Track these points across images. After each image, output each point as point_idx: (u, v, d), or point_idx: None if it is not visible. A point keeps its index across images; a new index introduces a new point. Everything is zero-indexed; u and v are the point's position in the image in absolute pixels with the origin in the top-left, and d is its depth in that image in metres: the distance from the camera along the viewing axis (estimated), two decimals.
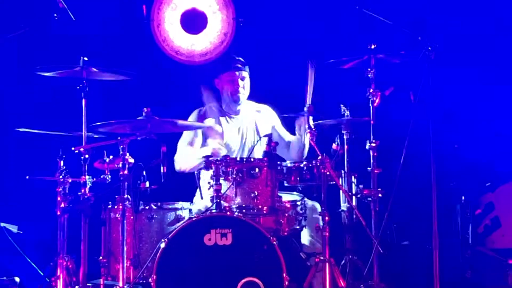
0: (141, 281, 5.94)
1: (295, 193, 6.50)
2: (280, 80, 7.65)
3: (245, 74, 6.81)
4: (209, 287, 5.77)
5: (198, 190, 6.46)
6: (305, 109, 6.38)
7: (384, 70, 6.24)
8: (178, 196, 6.41)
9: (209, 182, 6.09)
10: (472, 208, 6.48)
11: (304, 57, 6.78)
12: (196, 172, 6.52)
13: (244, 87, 6.80)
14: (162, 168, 5.92)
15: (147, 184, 5.98)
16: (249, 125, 6.89)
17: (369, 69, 6.20)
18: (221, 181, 5.99)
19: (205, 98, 6.83)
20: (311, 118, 6.42)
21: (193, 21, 7.94)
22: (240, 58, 6.83)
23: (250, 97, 6.97)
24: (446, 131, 7.11)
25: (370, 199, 6.09)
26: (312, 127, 6.34)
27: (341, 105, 6.38)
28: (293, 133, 6.85)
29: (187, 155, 6.64)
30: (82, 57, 6.25)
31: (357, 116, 6.30)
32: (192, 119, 6.82)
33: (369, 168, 6.12)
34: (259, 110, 7.00)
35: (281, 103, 7.08)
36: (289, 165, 6.18)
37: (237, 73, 6.78)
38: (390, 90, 6.09)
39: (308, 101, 6.49)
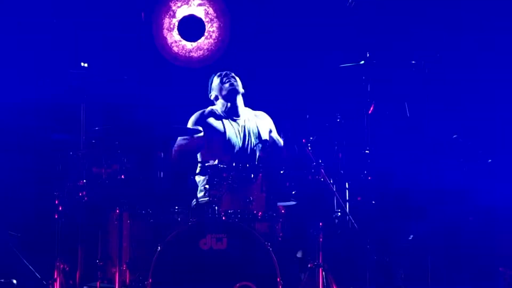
0: (137, 285, 6.00)
1: (291, 201, 6.56)
2: (277, 87, 7.73)
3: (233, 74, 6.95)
4: None
5: (194, 195, 6.53)
6: None
7: (379, 81, 6.31)
8: (175, 200, 6.48)
9: (205, 187, 6.16)
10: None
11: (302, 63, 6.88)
12: (192, 177, 6.58)
13: (236, 79, 6.91)
14: (159, 172, 5.99)
15: (144, 188, 6.06)
16: (251, 128, 6.98)
17: (363, 77, 6.25)
18: (217, 186, 6.07)
19: None
20: None
21: (191, 28, 8.02)
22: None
23: (247, 104, 7.08)
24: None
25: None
26: None
27: (336, 113, 6.46)
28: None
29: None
30: (81, 63, 6.33)
31: (351, 124, 6.38)
32: (193, 121, 6.92)
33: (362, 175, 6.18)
34: (257, 115, 7.10)
35: (277, 110, 7.16)
36: (284, 171, 6.25)
37: (225, 76, 6.94)
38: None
39: None
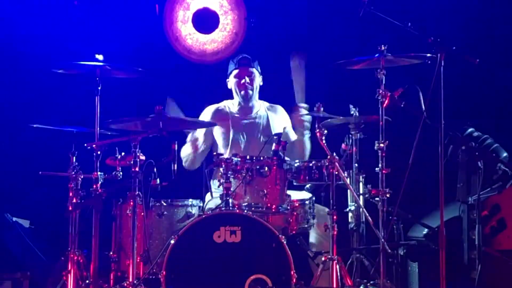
0: (150, 277, 6.00)
1: (304, 191, 6.55)
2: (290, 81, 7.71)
3: (253, 70, 6.89)
4: (217, 284, 5.83)
5: (209, 187, 6.52)
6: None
7: (394, 71, 6.24)
8: (188, 193, 6.48)
9: (219, 180, 6.14)
10: (479, 210, 6.50)
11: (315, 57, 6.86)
12: (206, 170, 6.57)
13: (252, 82, 6.88)
14: (172, 165, 5.98)
15: (158, 181, 6.05)
16: (262, 123, 6.96)
17: (378, 70, 6.18)
18: (231, 179, 6.05)
19: (169, 110, 6.89)
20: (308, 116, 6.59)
21: (205, 21, 8.01)
22: (246, 56, 6.92)
23: (262, 97, 7.06)
24: (455, 131, 7.13)
25: (378, 199, 6.10)
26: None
27: (350, 105, 6.43)
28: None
29: (186, 153, 6.82)
30: (95, 55, 6.33)
31: (367, 116, 6.35)
32: (205, 116, 6.93)
33: (377, 168, 6.11)
34: (272, 109, 7.07)
35: (292, 103, 7.14)
36: (298, 164, 6.22)
37: (243, 69, 6.88)
38: (399, 92, 6.10)
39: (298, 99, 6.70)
